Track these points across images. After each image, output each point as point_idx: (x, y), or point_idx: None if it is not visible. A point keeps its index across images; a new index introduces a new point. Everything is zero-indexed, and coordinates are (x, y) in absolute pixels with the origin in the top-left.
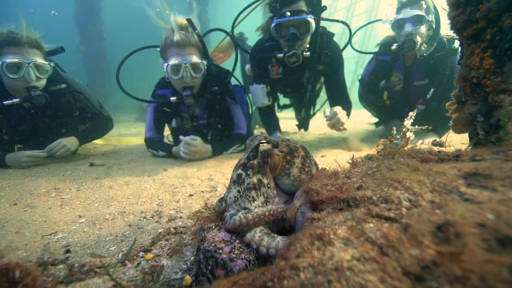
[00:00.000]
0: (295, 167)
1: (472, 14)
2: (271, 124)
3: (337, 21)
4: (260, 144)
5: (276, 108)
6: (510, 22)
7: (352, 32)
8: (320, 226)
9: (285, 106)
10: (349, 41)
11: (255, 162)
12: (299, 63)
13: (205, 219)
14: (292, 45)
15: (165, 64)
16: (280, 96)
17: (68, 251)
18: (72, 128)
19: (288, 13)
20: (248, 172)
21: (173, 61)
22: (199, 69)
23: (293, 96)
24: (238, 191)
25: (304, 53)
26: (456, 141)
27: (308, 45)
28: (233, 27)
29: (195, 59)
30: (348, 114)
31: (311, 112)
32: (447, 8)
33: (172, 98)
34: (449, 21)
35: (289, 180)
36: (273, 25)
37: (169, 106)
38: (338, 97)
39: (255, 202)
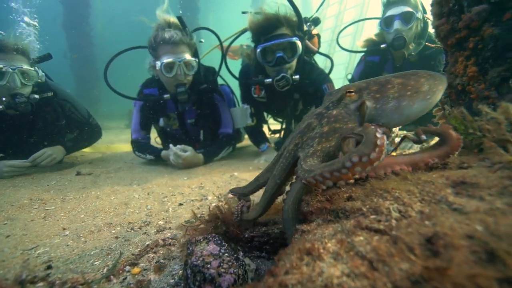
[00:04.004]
0: (391, 99)
1: (455, 24)
2: (258, 141)
3: (321, 53)
4: (347, 94)
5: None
6: (491, 32)
7: (343, 27)
8: (310, 240)
9: (275, 132)
10: (330, 71)
11: (334, 112)
12: (288, 87)
13: (193, 231)
14: (280, 69)
15: (158, 62)
16: (271, 120)
17: (49, 267)
18: (59, 137)
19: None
20: (322, 122)
21: (167, 59)
22: (191, 67)
23: (280, 117)
24: (296, 145)
25: (293, 77)
26: None
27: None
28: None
29: (188, 57)
30: None
31: None
32: (431, 17)
33: (166, 96)
34: (433, 30)
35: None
36: (258, 50)
37: (157, 105)
38: None
39: (312, 147)
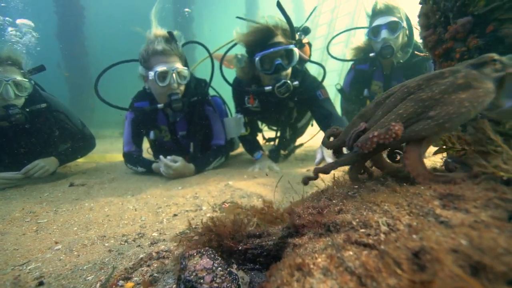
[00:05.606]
0: None
1: (442, 35)
2: (252, 149)
3: (312, 62)
4: (492, 62)
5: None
6: (476, 43)
7: (331, 37)
8: (301, 254)
9: (270, 140)
10: (323, 79)
11: (474, 72)
12: (289, 94)
13: (188, 242)
14: (278, 77)
15: (151, 72)
16: (265, 128)
17: (41, 283)
18: (52, 148)
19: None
20: (457, 75)
21: (161, 68)
22: (184, 77)
23: (275, 126)
24: (419, 85)
25: (293, 83)
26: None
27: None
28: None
29: (180, 66)
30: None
31: (291, 146)
32: (418, 28)
33: (160, 105)
34: (421, 41)
35: None
36: (257, 59)
37: (148, 118)
38: (327, 117)
39: (431, 93)
